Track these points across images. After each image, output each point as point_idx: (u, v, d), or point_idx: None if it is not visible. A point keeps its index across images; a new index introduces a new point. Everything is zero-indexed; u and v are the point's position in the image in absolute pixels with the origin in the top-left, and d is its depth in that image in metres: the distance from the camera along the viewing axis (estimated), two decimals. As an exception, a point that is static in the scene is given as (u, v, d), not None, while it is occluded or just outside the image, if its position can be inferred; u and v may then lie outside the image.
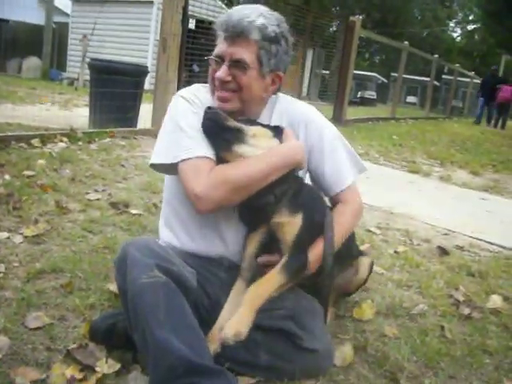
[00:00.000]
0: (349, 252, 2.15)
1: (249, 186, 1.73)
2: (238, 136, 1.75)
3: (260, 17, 1.78)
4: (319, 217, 1.87)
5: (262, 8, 1.84)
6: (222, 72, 1.79)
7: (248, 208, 1.81)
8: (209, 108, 1.78)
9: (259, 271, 1.82)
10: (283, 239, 1.78)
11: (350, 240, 2.14)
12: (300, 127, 1.98)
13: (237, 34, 1.76)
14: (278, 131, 1.86)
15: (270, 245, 1.81)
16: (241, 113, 1.85)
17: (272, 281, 1.73)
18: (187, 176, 1.74)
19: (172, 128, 1.84)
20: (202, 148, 1.75)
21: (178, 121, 1.82)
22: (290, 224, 1.78)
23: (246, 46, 1.78)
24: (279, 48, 1.83)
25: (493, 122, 20.16)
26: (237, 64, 1.78)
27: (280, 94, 2.02)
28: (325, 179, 1.99)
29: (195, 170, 1.72)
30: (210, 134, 1.78)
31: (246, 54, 1.78)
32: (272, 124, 1.93)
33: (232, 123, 1.77)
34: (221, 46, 1.81)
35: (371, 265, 2.29)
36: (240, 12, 1.79)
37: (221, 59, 1.80)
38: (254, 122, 1.86)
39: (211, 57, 1.84)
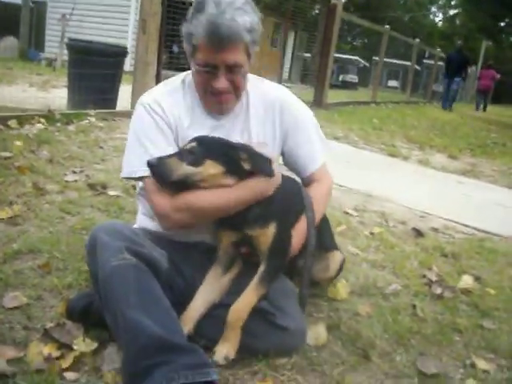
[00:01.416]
0: (323, 239, 2.12)
1: (212, 214, 1.78)
2: (187, 184, 1.72)
3: (244, 15, 1.72)
4: (297, 207, 1.91)
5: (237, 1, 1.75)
6: (222, 83, 1.78)
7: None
8: (148, 163, 1.69)
9: (236, 256, 1.85)
10: (258, 249, 1.79)
11: (326, 228, 2.18)
12: (275, 111, 2.01)
13: (227, 41, 1.70)
14: (231, 165, 1.73)
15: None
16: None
17: (251, 298, 1.73)
18: (150, 193, 1.79)
19: (135, 142, 1.86)
20: None
21: (140, 136, 1.84)
22: (263, 236, 1.77)
23: (236, 48, 1.74)
24: (258, 32, 1.82)
25: (481, 106, 20.08)
26: (232, 69, 1.77)
27: (248, 75, 1.97)
28: (299, 160, 2.05)
29: (157, 188, 1.76)
30: (161, 184, 1.75)
31: (239, 56, 1.77)
32: (250, 114, 1.96)
33: (176, 176, 1.69)
34: (209, 55, 1.74)
35: (342, 262, 2.26)
36: (222, 17, 1.68)
37: (213, 68, 1.77)
38: (209, 152, 1.73)
39: (199, 67, 1.78)
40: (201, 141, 1.76)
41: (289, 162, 2.10)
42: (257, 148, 1.79)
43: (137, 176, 1.83)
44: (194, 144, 1.74)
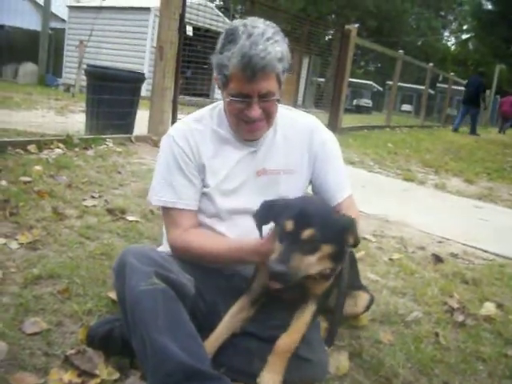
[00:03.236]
0: (351, 280, 2.07)
1: (210, 262, 1.90)
2: None
3: (275, 45, 1.74)
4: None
5: (268, 29, 1.77)
6: (256, 112, 1.81)
7: None
8: (278, 274, 1.54)
9: (266, 293, 1.82)
10: (312, 291, 1.76)
11: (353, 268, 2.16)
12: (304, 138, 2.03)
13: (260, 71, 1.73)
14: (339, 246, 1.64)
15: None
16: None
17: (302, 331, 1.73)
18: (166, 223, 1.97)
19: (162, 170, 1.95)
20: (182, 200, 1.90)
21: (169, 166, 1.92)
22: (321, 283, 1.75)
23: (268, 79, 1.77)
24: (288, 60, 1.85)
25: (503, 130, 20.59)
26: (265, 97, 1.80)
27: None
28: (328, 187, 2.04)
29: (172, 221, 1.92)
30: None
31: (271, 85, 1.79)
32: (276, 136, 2.00)
33: (302, 274, 1.57)
34: (243, 85, 1.76)
35: (370, 301, 2.25)
36: (255, 48, 1.70)
37: (246, 97, 1.80)
38: (324, 235, 1.58)
39: (232, 97, 1.81)
40: (317, 223, 1.57)
41: (317, 189, 2.08)
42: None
43: (156, 203, 1.96)
44: (312, 231, 1.56)
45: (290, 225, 1.56)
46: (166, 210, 1.94)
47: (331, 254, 1.63)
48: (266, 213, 1.69)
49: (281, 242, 1.58)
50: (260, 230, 1.71)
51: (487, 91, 19.38)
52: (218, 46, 1.82)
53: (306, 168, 2.03)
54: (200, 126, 1.95)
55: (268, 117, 1.87)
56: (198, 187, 1.93)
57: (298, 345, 1.73)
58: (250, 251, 1.79)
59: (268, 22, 1.83)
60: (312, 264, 1.58)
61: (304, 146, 2.02)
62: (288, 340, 1.70)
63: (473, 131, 18.41)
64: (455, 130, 18.54)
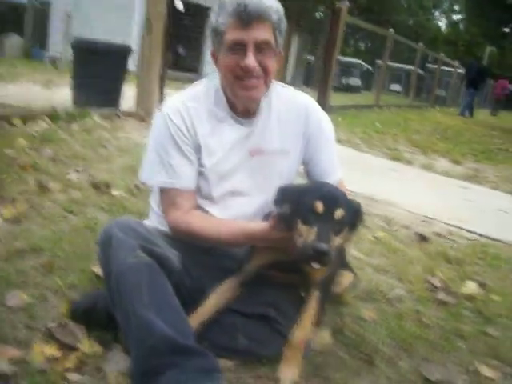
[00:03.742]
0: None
1: (210, 244, 1.87)
2: None
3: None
4: None
5: None
6: (251, 60, 1.72)
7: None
8: (321, 251, 1.50)
9: (259, 275, 1.82)
10: (311, 279, 1.76)
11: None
12: (301, 115, 1.98)
13: (256, 17, 1.68)
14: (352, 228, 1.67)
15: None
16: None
17: (311, 320, 1.74)
18: (163, 203, 1.89)
19: (152, 150, 1.87)
20: (181, 180, 1.83)
21: (164, 145, 1.83)
22: (319, 271, 1.72)
23: (264, 28, 1.71)
24: (284, 23, 1.80)
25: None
26: (262, 47, 1.73)
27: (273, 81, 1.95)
28: (320, 167, 2.02)
29: (171, 202, 1.85)
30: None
31: (267, 34, 1.73)
32: (271, 115, 1.94)
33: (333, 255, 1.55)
34: (237, 33, 1.71)
35: (354, 280, 2.26)
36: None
37: (241, 46, 1.72)
38: (349, 217, 1.60)
39: (227, 49, 1.74)
40: (343, 204, 1.58)
41: (308, 170, 2.06)
42: None
43: (152, 183, 1.92)
44: (342, 211, 1.56)
45: (320, 206, 1.55)
46: (165, 191, 1.86)
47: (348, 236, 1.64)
48: (281, 197, 1.67)
49: (306, 224, 1.55)
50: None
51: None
52: (213, 18, 1.76)
53: (299, 148, 2.00)
54: (195, 103, 1.87)
55: (265, 73, 1.78)
56: (196, 165, 1.87)
57: (281, 322, 1.75)
58: (259, 237, 1.74)
59: None
60: (338, 245, 1.59)
61: (299, 126, 1.98)
62: (300, 333, 1.71)
63: (463, 112, 18.90)
64: (471, 114, 19.31)
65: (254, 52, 1.72)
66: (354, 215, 1.64)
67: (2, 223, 2.62)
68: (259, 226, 1.75)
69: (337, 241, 1.56)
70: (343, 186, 2.07)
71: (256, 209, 1.94)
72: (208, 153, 1.86)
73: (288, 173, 1.99)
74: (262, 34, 1.71)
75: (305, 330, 1.72)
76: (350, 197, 1.67)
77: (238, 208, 1.91)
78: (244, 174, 1.92)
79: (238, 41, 1.71)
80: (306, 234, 1.54)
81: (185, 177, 1.84)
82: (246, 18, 1.67)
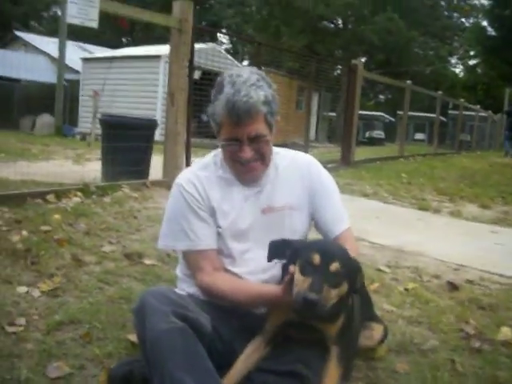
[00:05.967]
0: (366, 309, 2.15)
1: (234, 305, 1.98)
2: None
3: (258, 90, 1.88)
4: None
5: (252, 76, 1.91)
6: (247, 153, 1.93)
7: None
8: (309, 301, 1.57)
9: (280, 333, 1.88)
10: (326, 335, 1.81)
11: (367, 299, 2.22)
12: (304, 173, 2.14)
13: (245, 116, 1.86)
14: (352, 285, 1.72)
15: None
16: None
17: (336, 377, 1.76)
18: (190, 268, 2.05)
19: (176, 217, 2.03)
20: (202, 241, 1.98)
21: (183, 212, 2.01)
22: (332, 327, 1.79)
23: (254, 122, 1.90)
24: (275, 103, 1.98)
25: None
26: (255, 139, 1.92)
27: (277, 149, 2.16)
28: (326, 221, 2.12)
29: (196, 266, 2.00)
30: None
31: (259, 127, 1.92)
32: (278, 174, 2.09)
33: (328, 307, 1.63)
34: (232, 130, 1.91)
35: (385, 332, 2.28)
36: (237, 95, 1.84)
37: (236, 141, 1.93)
38: (347, 271, 1.68)
39: (224, 142, 1.95)
40: (340, 259, 1.66)
41: (315, 222, 2.17)
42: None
43: (175, 249, 2.10)
44: (337, 265, 1.64)
45: (317, 258, 1.63)
46: (189, 255, 2.02)
47: (346, 291, 1.70)
48: (281, 249, 1.79)
49: (304, 275, 1.64)
50: (283, 270, 1.83)
51: (498, 114, 20.48)
52: (212, 97, 1.96)
53: (307, 202, 2.12)
54: (206, 172, 2.06)
55: (262, 157, 1.98)
56: (214, 227, 2.02)
57: (311, 377, 1.76)
58: (271, 299, 1.87)
59: (254, 70, 1.98)
60: (334, 298, 1.64)
61: (304, 181, 2.12)
62: None
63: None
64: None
65: (249, 143, 1.92)
66: (354, 273, 1.71)
67: (41, 297, 2.73)
68: (274, 290, 1.85)
69: (333, 293, 1.62)
70: (350, 236, 2.14)
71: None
72: (222, 215, 2.01)
73: (301, 227, 2.12)
74: (254, 128, 1.90)
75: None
76: (351, 254, 1.75)
77: (255, 263, 2.02)
78: (258, 231, 2.05)
79: (232, 137, 1.92)
80: (301, 284, 1.62)
81: (205, 238, 1.98)
82: (236, 117, 1.87)
